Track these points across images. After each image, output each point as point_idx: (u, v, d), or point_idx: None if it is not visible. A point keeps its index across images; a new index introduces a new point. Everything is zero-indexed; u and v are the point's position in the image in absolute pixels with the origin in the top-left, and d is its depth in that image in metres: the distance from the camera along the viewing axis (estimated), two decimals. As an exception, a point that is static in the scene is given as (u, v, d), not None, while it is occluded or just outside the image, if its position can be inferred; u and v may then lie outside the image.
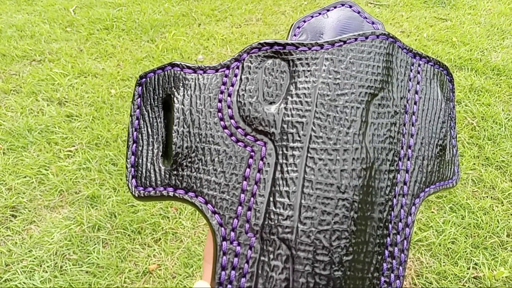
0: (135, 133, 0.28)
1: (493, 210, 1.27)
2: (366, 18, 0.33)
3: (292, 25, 0.33)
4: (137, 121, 0.29)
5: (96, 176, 1.33)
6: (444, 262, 1.14)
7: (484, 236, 1.20)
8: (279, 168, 0.25)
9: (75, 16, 2.21)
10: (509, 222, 1.24)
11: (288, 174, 0.25)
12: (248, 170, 0.26)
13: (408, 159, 0.28)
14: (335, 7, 0.34)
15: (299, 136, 0.26)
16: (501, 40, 2.02)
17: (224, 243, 0.25)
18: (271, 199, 0.25)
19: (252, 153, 0.27)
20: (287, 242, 0.23)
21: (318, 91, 0.27)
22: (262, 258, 0.24)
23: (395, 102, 0.28)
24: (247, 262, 0.24)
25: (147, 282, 1.07)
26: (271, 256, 0.23)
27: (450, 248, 1.17)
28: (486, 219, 1.24)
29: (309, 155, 0.25)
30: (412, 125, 0.29)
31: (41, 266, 1.11)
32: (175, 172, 0.27)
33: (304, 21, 0.33)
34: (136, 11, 2.27)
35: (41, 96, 1.66)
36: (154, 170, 0.27)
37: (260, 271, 0.23)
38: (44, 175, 1.34)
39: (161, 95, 0.29)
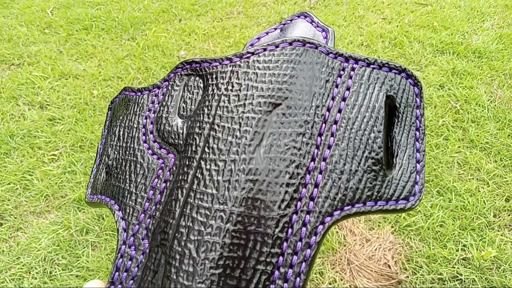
0: (100, 149, 0.33)
1: (479, 191, 1.29)
2: (317, 26, 0.33)
3: (246, 43, 0.32)
4: (103, 140, 0.32)
5: (82, 179, 1.32)
6: (433, 246, 1.16)
7: (471, 217, 1.21)
8: (179, 178, 0.26)
9: (52, 17, 2.17)
10: (495, 203, 1.26)
11: (181, 184, 0.26)
12: (156, 180, 0.28)
13: (320, 173, 0.25)
14: (291, 20, 0.34)
15: (196, 148, 0.26)
16: (481, 22, 2.03)
17: (123, 247, 0.26)
18: (166, 208, 0.26)
19: (163, 165, 0.28)
20: (163, 249, 0.24)
21: (218, 104, 0.27)
22: (148, 263, 0.25)
23: (307, 111, 0.26)
24: (138, 266, 0.25)
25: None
26: (153, 262, 0.24)
27: (439, 232, 1.19)
28: (473, 201, 1.26)
29: (199, 165, 0.26)
30: (332, 135, 0.26)
31: (30, 273, 1.09)
32: (107, 182, 0.30)
33: (258, 38, 0.33)
34: (115, 9, 2.23)
35: (22, 101, 1.63)
36: (100, 180, 0.31)
37: (144, 276, 0.24)
38: (28, 180, 1.32)
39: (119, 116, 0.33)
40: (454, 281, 1.09)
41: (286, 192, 0.24)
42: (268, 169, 0.24)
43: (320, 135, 0.26)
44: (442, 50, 1.86)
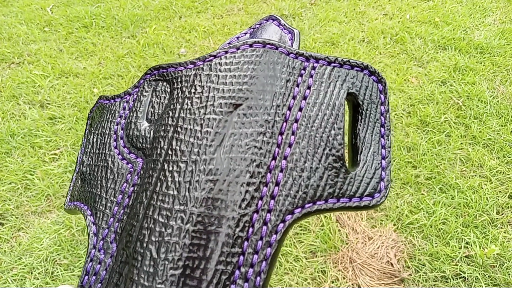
0: (79, 158, 0.34)
1: (482, 188, 1.28)
2: (284, 29, 0.34)
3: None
4: (82, 148, 0.34)
5: (83, 178, 1.31)
6: (436, 243, 1.15)
7: (474, 214, 1.21)
8: (145, 181, 0.27)
9: (52, 15, 2.16)
10: (498, 200, 1.25)
11: (146, 187, 0.26)
12: (125, 185, 0.28)
13: (281, 171, 0.25)
14: (260, 24, 0.35)
15: (160, 150, 0.27)
16: (483, 18, 2.02)
17: (92, 251, 0.26)
18: (132, 211, 0.26)
19: (131, 169, 0.29)
20: (128, 251, 0.24)
21: (182, 106, 0.28)
22: (114, 266, 0.25)
23: (268, 111, 0.26)
24: (106, 269, 0.25)
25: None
26: (119, 264, 0.25)
27: (441, 229, 1.18)
28: (476, 198, 1.25)
29: (163, 168, 0.26)
30: (292, 134, 0.26)
31: (31, 273, 1.09)
32: (82, 188, 0.31)
33: (229, 43, 0.34)
34: (115, 7, 2.22)
35: (22, 100, 1.63)
36: (77, 187, 0.32)
37: (110, 278, 0.25)
38: (29, 180, 1.32)
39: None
40: (457, 278, 1.08)
41: (246, 191, 0.24)
42: (228, 169, 0.24)
43: (281, 134, 0.26)
44: (444, 46, 1.85)
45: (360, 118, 0.27)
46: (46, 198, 1.27)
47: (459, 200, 1.25)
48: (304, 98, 0.27)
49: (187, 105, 0.28)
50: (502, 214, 1.22)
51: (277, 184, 0.25)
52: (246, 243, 0.23)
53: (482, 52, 1.81)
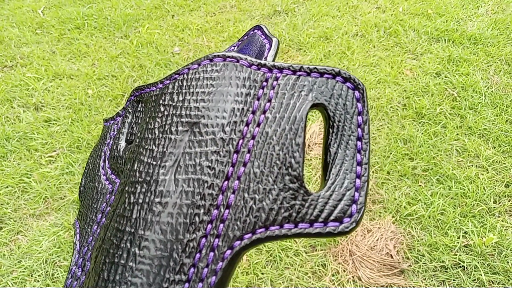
0: None
1: (479, 178, 1.29)
2: (266, 38, 0.33)
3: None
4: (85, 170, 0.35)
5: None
6: (434, 234, 1.16)
7: (471, 204, 1.22)
8: (113, 203, 0.27)
9: (44, 17, 2.15)
10: (495, 189, 1.26)
11: (112, 209, 0.26)
12: (104, 205, 0.28)
13: (233, 193, 0.23)
14: (247, 35, 0.34)
15: (126, 172, 0.27)
16: (475, 8, 2.02)
17: (73, 267, 0.27)
18: (100, 231, 0.27)
19: (111, 190, 0.29)
20: (90, 270, 0.25)
21: (147, 127, 0.27)
22: (83, 284, 0.25)
23: (223, 128, 0.24)
24: (80, 286, 0.26)
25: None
26: (87, 283, 0.25)
27: (440, 220, 1.19)
28: (473, 188, 1.26)
29: (123, 189, 0.26)
30: (248, 152, 0.24)
31: (32, 276, 1.09)
32: (80, 208, 0.31)
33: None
34: (107, 7, 2.21)
35: (16, 103, 1.62)
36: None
37: None
38: (26, 183, 1.31)
39: None
40: (456, 268, 1.09)
41: (196, 214, 0.23)
42: (179, 191, 0.23)
43: (236, 152, 0.24)
44: (437, 37, 1.86)
45: (331, 131, 0.24)
46: (44, 200, 1.26)
47: (456, 190, 1.25)
48: (264, 112, 0.25)
49: (151, 125, 0.27)
50: (499, 203, 1.23)
51: (228, 207, 0.23)
52: (192, 270, 0.22)
53: (476, 42, 1.82)
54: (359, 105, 0.24)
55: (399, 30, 1.89)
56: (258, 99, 0.25)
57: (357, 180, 0.22)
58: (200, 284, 0.21)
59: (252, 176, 0.23)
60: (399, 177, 1.31)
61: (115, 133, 0.32)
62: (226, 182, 0.23)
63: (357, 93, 0.25)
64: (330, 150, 0.24)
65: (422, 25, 1.92)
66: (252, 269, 1.09)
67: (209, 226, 0.22)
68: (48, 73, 1.76)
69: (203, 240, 0.22)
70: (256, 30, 0.34)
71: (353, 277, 1.08)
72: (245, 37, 0.34)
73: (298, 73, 0.26)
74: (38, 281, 1.07)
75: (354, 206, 0.22)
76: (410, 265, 1.10)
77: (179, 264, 0.22)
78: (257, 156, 0.24)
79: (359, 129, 0.24)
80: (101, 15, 2.14)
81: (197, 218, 0.22)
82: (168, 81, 0.29)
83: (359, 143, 0.24)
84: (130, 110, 0.32)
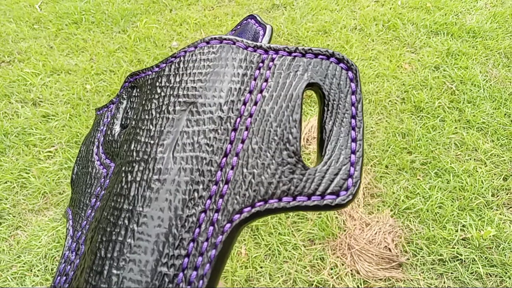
0: None
1: (477, 171, 1.29)
2: (259, 25, 0.33)
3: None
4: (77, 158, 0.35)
5: (79, 175, 1.31)
6: (432, 227, 1.16)
7: (469, 198, 1.22)
8: (109, 184, 0.27)
9: (41, 12, 2.14)
10: (493, 182, 1.26)
11: (108, 190, 0.26)
12: (98, 189, 0.28)
13: (232, 168, 0.24)
14: (240, 24, 0.35)
15: (122, 153, 0.27)
16: (474, 1, 2.02)
17: (66, 252, 0.27)
18: (95, 213, 0.27)
19: (105, 174, 0.29)
20: (85, 250, 0.25)
21: (143, 108, 0.28)
22: (79, 266, 0.25)
23: (221, 107, 0.25)
24: (74, 271, 0.25)
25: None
26: (79, 266, 0.25)
27: (438, 213, 1.19)
28: (471, 181, 1.26)
29: (120, 169, 0.26)
30: (246, 130, 0.25)
31: (31, 270, 1.09)
32: (72, 195, 0.32)
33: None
34: (104, 1, 2.20)
35: (14, 98, 1.62)
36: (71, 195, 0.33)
37: (72, 281, 0.25)
38: (25, 178, 1.31)
39: None
40: (454, 261, 1.10)
41: (195, 190, 0.23)
42: (178, 168, 0.24)
43: (234, 130, 0.25)
44: (436, 31, 1.85)
45: (326, 109, 0.25)
46: (42, 195, 1.27)
47: (454, 184, 1.26)
48: (261, 91, 0.26)
49: (147, 107, 0.28)
50: (497, 196, 1.23)
51: (227, 182, 0.23)
52: (191, 244, 0.22)
53: (474, 36, 1.81)
54: (353, 84, 0.25)
55: (398, 24, 1.88)
56: (254, 79, 0.26)
57: (352, 156, 0.23)
58: (200, 258, 0.22)
59: (250, 152, 0.24)
60: (398, 171, 1.31)
61: (109, 119, 0.33)
62: (224, 159, 0.24)
63: (350, 74, 0.26)
64: (325, 128, 0.24)
65: (421, 18, 1.91)
66: (251, 263, 1.09)
67: (208, 201, 0.23)
68: (46, 68, 1.75)
69: (202, 215, 0.23)
70: (249, 19, 0.34)
71: (351, 270, 1.09)
72: (238, 27, 0.35)
73: (294, 54, 0.27)
74: (38, 276, 1.07)
75: (350, 180, 0.23)
76: (408, 259, 1.11)
77: (178, 239, 0.22)
78: (255, 133, 0.24)
79: (353, 108, 0.25)
80: (98, 10, 2.13)
81: (196, 194, 0.23)
82: (164, 64, 0.29)
83: (353, 120, 0.24)
84: (124, 96, 0.32)
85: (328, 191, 0.22)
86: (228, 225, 0.22)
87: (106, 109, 0.34)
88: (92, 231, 0.25)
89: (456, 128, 1.43)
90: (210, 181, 0.23)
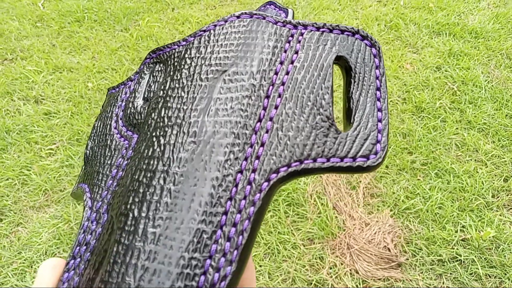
0: None
1: (477, 172, 1.29)
2: (280, 9, 0.34)
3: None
4: (91, 135, 0.35)
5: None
6: (432, 228, 1.16)
7: (470, 198, 1.22)
8: (136, 151, 0.27)
9: (44, 10, 2.14)
10: (494, 183, 1.26)
11: (136, 156, 0.27)
12: (120, 159, 0.29)
13: (267, 132, 0.25)
14: (259, 10, 0.37)
15: (151, 121, 0.28)
16: (477, 2, 2.01)
17: (86, 223, 0.27)
18: (121, 179, 0.27)
19: (127, 145, 0.29)
20: (113, 214, 0.25)
21: (172, 78, 0.29)
22: (102, 233, 0.25)
23: (253, 75, 0.26)
24: (96, 238, 0.25)
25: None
26: (106, 230, 0.25)
27: (438, 213, 1.19)
28: (471, 182, 1.26)
29: (151, 135, 0.26)
30: (279, 96, 0.26)
31: (32, 267, 1.10)
32: (85, 170, 0.32)
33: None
34: (107, 0, 2.21)
35: (17, 96, 1.62)
36: (81, 171, 0.33)
37: (99, 245, 0.24)
38: (26, 175, 1.32)
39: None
40: (453, 262, 1.10)
41: (231, 151, 0.24)
42: (213, 131, 0.24)
43: (267, 97, 0.26)
44: (438, 31, 1.85)
45: (353, 81, 0.27)
46: (43, 192, 1.27)
47: (455, 184, 1.25)
48: (292, 62, 0.27)
49: (177, 76, 0.28)
50: (498, 197, 1.23)
51: (262, 144, 0.24)
52: (229, 202, 0.23)
53: (477, 36, 1.81)
54: (376, 60, 0.27)
55: (400, 24, 1.88)
56: (285, 51, 0.27)
57: (379, 124, 0.25)
58: (239, 215, 0.22)
59: (284, 116, 0.25)
60: (398, 171, 1.31)
61: (128, 95, 0.33)
62: (258, 123, 0.25)
63: (373, 50, 0.28)
64: (353, 98, 0.26)
65: (423, 18, 1.91)
66: (250, 262, 1.10)
67: (244, 162, 0.24)
68: (48, 66, 1.76)
69: (239, 175, 0.23)
70: (267, 6, 0.35)
71: (350, 270, 1.09)
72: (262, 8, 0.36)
73: (322, 29, 0.28)
74: (38, 273, 1.08)
75: (378, 145, 0.24)
76: (407, 259, 1.11)
77: (215, 197, 0.23)
78: (288, 99, 0.26)
79: (377, 81, 0.27)
80: (101, 8, 2.13)
81: (232, 155, 0.24)
82: (192, 38, 0.30)
83: (378, 92, 0.26)
84: (146, 72, 0.33)
85: (359, 154, 0.24)
86: (266, 183, 0.23)
87: (123, 86, 0.35)
88: (119, 197, 0.25)
89: (457, 128, 1.43)
90: (245, 144, 0.24)
